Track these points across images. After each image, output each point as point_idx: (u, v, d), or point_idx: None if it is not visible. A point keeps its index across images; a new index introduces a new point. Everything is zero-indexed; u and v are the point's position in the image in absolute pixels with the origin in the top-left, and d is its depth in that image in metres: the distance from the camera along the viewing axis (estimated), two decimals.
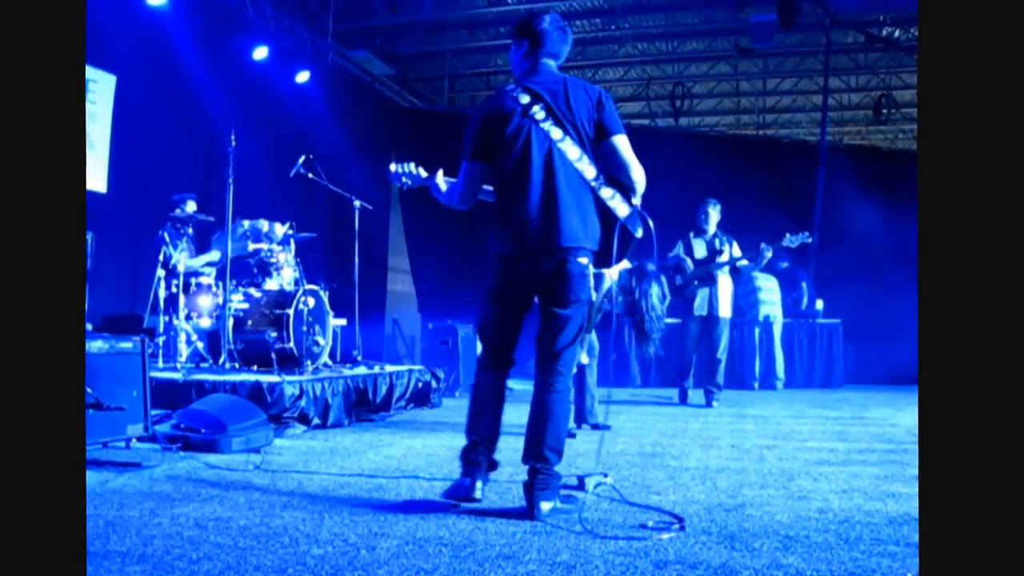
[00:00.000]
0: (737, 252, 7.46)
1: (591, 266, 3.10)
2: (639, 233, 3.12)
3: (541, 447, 2.99)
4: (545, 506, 2.91)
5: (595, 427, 5.42)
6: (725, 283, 7.50)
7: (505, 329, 3.19)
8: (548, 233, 3.02)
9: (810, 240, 7.27)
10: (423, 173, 3.56)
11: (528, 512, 2.91)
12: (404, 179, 3.61)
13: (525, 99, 3.10)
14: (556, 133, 3.05)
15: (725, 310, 7.51)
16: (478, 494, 3.07)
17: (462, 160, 3.21)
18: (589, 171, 3.08)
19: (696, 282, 7.43)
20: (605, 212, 3.11)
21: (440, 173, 3.43)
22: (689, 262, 7.46)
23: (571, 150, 3.05)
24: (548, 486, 2.95)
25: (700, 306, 7.46)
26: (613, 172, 3.13)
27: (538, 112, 3.07)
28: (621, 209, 3.10)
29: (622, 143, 3.11)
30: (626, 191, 3.12)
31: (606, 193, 3.09)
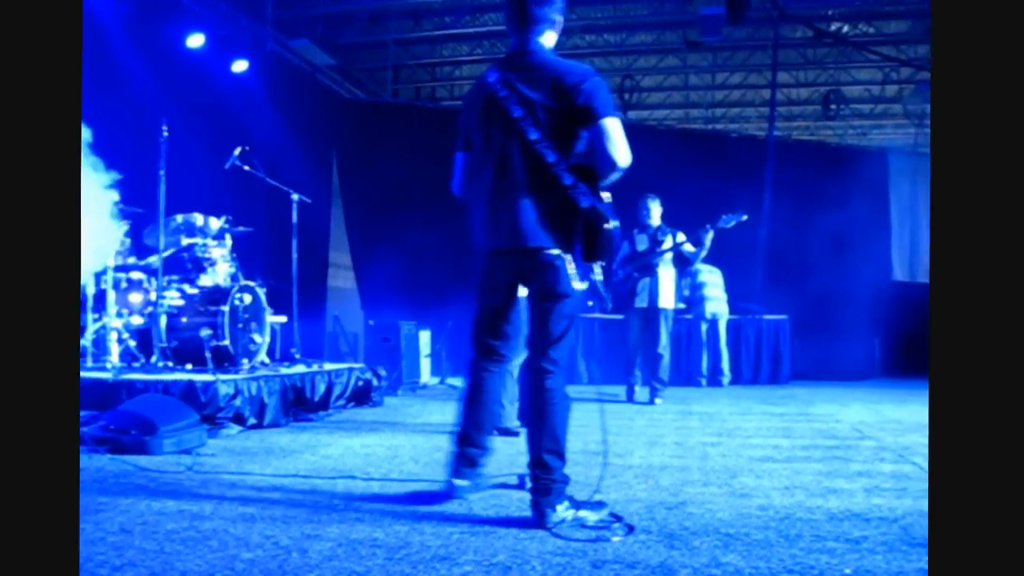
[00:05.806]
0: (682, 238, 7.32)
1: (569, 257, 2.87)
2: (610, 225, 2.83)
3: (539, 452, 2.83)
4: (552, 515, 2.74)
5: None
6: (667, 273, 7.37)
7: (487, 324, 3.09)
8: (506, 232, 2.88)
9: (745, 218, 7.16)
10: None
11: (536, 521, 2.76)
12: None
13: (492, 79, 2.93)
14: (516, 113, 2.85)
15: (666, 300, 7.36)
16: (455, 492, 3.09)
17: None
18: (548, 156, 2.82)
19: (636, 274, 7.35)
20: (569, 203, 2.85)
21: None
22: None
23: (530, 131, 2.82)
24: (551, 491, 2.78)
25: (640, 299, 7.33)
26: (596, 158, 2.85)
27: (501, 92, 2.89)
28: (581, 199, 2.83)
29: (609, 126, 2.80)
30: (592, 180, 2.86)
31: (567, 181, 2.82)
